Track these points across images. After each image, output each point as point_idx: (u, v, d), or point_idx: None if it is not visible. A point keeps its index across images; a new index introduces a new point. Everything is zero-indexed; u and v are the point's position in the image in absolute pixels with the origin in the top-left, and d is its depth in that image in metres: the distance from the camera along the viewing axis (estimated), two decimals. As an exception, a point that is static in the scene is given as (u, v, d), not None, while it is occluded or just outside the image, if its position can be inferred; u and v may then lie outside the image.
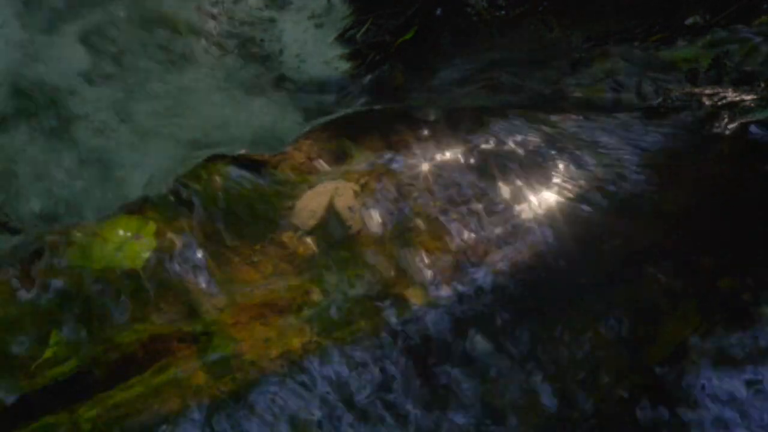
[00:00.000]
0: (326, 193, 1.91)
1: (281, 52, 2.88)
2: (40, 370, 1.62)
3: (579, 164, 1.99)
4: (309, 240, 1.86)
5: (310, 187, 1.96)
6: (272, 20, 2.99)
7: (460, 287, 1.78)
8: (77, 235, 1.81)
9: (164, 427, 1.58)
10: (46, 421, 1.58)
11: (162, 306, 1.73)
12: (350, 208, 1.89)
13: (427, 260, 1.82)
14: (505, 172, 1.98)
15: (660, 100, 2.18)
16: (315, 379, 1.66)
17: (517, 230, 1.87)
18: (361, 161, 2.02)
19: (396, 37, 2.77)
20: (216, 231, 1.87)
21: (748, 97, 2.12)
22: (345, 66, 2.82)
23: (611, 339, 1.72)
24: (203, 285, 1.77)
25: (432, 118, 2.15)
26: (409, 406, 1.65)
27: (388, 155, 2.03)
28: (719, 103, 2.12)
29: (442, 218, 1.90)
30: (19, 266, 1.74)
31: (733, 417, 1.61)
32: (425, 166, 2.01)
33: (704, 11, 2.51)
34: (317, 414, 1.62)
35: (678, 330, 1.72)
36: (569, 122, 2.11)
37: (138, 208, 1.88)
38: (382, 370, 1.68)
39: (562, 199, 1.92)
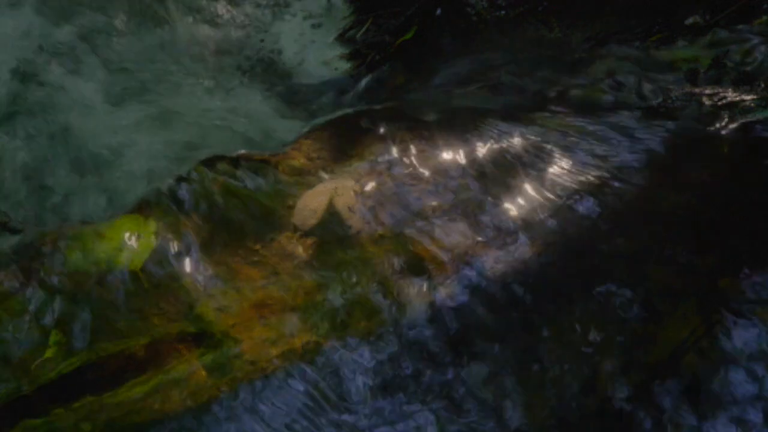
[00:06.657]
0: (326, 193, 1.91)
1: (281, 52, 2.88)
2: (40, 370, 1.62)
3: (579, 164, 1.99)
4: (309, 240, 1.86)
5: (310, 187, 1.96)
6: (272, 20, 2.99)
7: (460, 287, 1.78)
8: (77, 235, 1.81)
9: (164, 427, 1.58)
10: (46, 420, 1.58)
11: (162, 306, 1.73)
12: (350, 208, 1.89)
13: (427, 260, 1.82)
14: (505, 172, 1.98)
15: (660, 100, 2.18)
16: (315, 379, 1.66)
17: (517, 230, 1.87)
18: (361, 161, 2.02)
19: (396, 37, 2.77)
20: (216, 231, 1.87)
21: (748, 97, 2.12)
22: (345, 66, 2.82)
23: (611, 339, 1.72)
24: (203, 285, 1.77)
25: (432, 118, 2.15)
26: (409, 406, 1.65)
27: (388, 155, 2.03)
28: (719, 103, 2.12)
29: (441, 218, 1.90)
30: (19, 266, 1.74)
31: (733, 417, 1.61)
32: (425, 166, 2.01)
33: (704, 11, 2.51)
34: (317, 414, 1.62)
35: (678, 330, 1.72)
36: (569, 122, 2.11)
37: (138, 208, 1.88)
38: (382, 370, 1.68)
39: (562, 199, 1.92)
